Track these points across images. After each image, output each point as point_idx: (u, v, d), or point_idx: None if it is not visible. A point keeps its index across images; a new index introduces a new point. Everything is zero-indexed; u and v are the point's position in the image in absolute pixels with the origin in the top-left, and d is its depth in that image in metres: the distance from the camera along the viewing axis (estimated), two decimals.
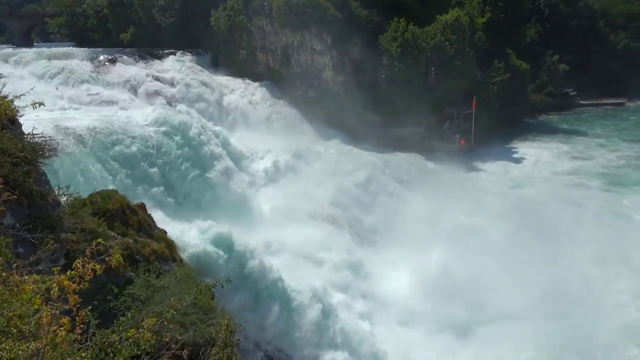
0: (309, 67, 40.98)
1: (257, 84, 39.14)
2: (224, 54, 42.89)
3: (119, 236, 10.95)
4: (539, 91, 57.27)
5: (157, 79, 33.45)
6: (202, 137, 22.46)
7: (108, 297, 8.62)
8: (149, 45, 42.26)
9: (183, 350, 5.42)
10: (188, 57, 38.58)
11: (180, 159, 20.73)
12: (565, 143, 46.76)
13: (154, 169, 19.41)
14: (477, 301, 18.62)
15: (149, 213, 13.22)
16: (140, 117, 21.56)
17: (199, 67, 37.56)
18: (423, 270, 20.00)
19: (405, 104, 38.32)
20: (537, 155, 43.10)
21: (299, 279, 16.55)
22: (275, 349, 14.59)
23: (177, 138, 21.10)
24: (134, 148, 19.04)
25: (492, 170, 38.83)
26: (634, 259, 23.08)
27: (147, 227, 12.41)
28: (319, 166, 30.86)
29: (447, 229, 24.16)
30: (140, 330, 4.32)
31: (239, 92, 37.55)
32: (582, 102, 61.69)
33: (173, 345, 5.00)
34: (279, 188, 26.67)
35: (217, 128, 25.66)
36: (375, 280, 20.24)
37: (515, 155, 43.05)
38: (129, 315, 5.45)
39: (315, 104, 40.03)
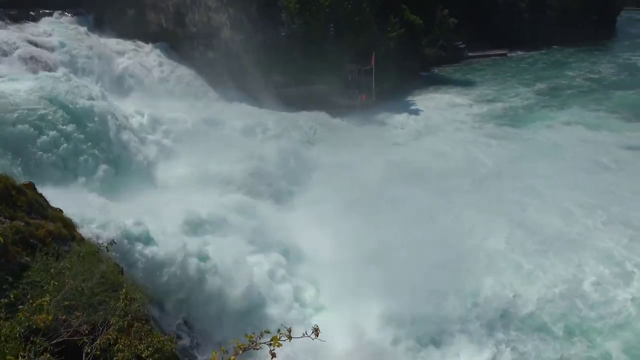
0: (205, 26, 39.05)
1: (150, 45, 36.58)
2: (109, 14, 39.34)
3: (7, 220, 10.01)
4: (432, 45, 59.97)
5: (33, 43, 29.86)
6: (93, 107, 20.81)
7: (4, 287, 7.95)
8: (20, 4, 37.40)
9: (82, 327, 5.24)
10: (67, 19, 34.79)
11: (72, 132, 19.13)
12: (461, 93, 50.00)
13: (43, 143, 17.77)
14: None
15: (39, 192, 12.18)
16: (19, 87, 19.37)
17: (82, 29, 34.13)
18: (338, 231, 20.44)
19: (307, 62, 38.39)
20: (436, 106, 45.65)
21: (215, 245, 16.47)
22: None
23: (63, 109, 19.34)
24: (18, 124, 17.23)
25: (395, 124, 40.52)
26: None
27: (40, 208, 11.46)
28: (225, 130, 30.11)
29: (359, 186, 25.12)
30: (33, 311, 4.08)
31: (129, 55, 34.87)
32: (470, 54, 65.76)
33: (73, 322, 4.80)
34: (184, 156, 25.71)
35: (107, 96, 23.80)
36: (289, 240, 20.50)
37: (415, 107, 45.22)
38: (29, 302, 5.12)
39: (216, 65, 38.51)
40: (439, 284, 17.68)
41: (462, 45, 65.57)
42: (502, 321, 16.92)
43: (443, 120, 41.64)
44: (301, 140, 33.46)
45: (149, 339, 6.79)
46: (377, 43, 44.20)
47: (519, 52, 69.08)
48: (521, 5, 72.47)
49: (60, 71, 23.52)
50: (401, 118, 41.74)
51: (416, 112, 44.12)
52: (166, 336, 7.89)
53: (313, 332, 4.98)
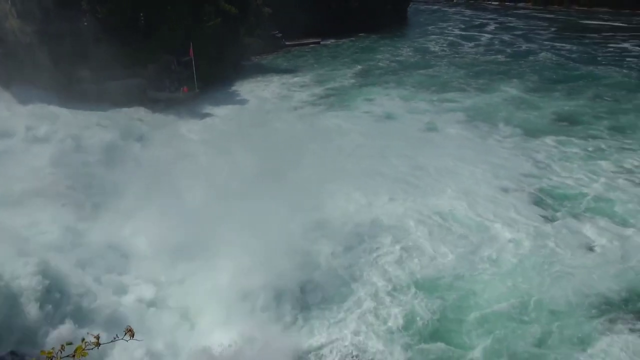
0: None
1: None
2: None
3: None
4: (250, 34, 60.54)
5: None
6: None
7: None
8: None
9: None
10: None
11: None
12: (287, 78, 51.58)
13: None
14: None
15: None
16: None
17: None
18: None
19: (117, 54, 35.42)
20: (261, 94, 46.33)
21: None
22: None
23: None
24: None
25: (223, 115, 39.88)
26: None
27: None
28: (22, 136, 26.31)
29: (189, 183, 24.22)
30: None
31: None
32: (288, 43, 68.22)
33: None
34: None
35: None
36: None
37: (240, 97, 45.24)
38: None
39: (5, 61, 33.32)
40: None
41: (279, 35, 67.60)
42: None
43: (273, 107, 42.59)
44: (121, 138, 30.92)
45: None
46: (195, 33, 42.96)
47: (331, 40, 73.96)
48: None
49: None
50: (228, 108, 41.40)
51: (243, 101, 44.20)
52: None
53: (126, 333, 4.68)
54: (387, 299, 16.95)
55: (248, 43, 59.18)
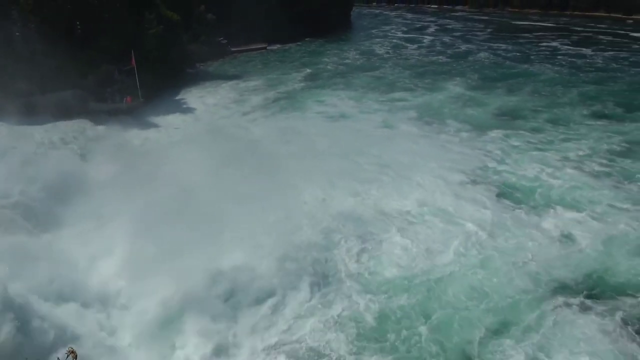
0: None
1: None
2: None
3: None
4: (194, 41, 59.43)
5: None
6: None
7: None
8: None
9: None
10: None
11: None
12: (235, 84, 50.75)
13: None
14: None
15: None
16: None
17: None
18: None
19: (54, 66, 33.66)
20: (210, 100, 45.36)
21: None
22: None
23: None
24: None
25: (171, 123, 38.63)
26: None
27: None
28: None
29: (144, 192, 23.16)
30: None
31: None
32: (233, 48, 67.44)
33: None
34: None
35: None
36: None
37: (185, 106, 44.07)
38: None
39: None
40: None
41: (224, 41, 66.73)
42: None
43: (225, 112, 41.82)
44: (63, 152, 29.25)
45: None
46: (136, 41, 41.54)
47: (278, 45, 73.81)
48: (272, 1, 77.19)
49: None
50: (176, 117, 40.24)
51: (191, 109, 43.08)
52: None
53: (69, 354, 4.50)
54: (358, 299, 16.96)
55: (193, 50, 58.03)
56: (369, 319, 16.02)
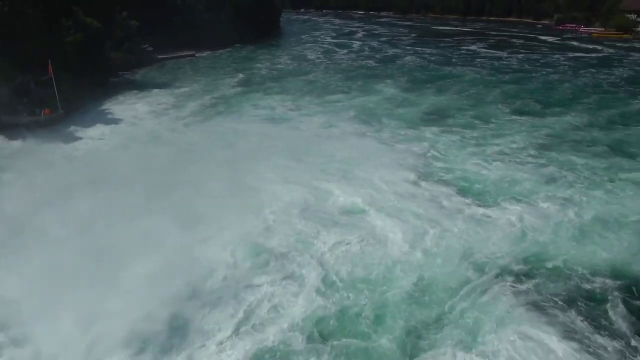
0: None
1: None
2: None
3: None
4: (117, 49, 56.61)
5: None
6: None
7: None
8: None
9: None
10: None
11: None
12: (164, 93, 48.77)
13: None
14: None
15: None
16: None
17: None
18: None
19: None
20: (139, 109, 43.11)
21: None
22: None
23: None
24: None
25: (95, 135, 36.22)
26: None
27: None
28: None
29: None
30: None
31: None
32: (159, 56, 65.02)
33: None
34: None
35: None
36: None
37: (110, 117, 41.64)
38: None
39: None
40: None
41: (150, 48, 64.20)
42: None
43: (155, 120, 39.94)
44: None
45: None
46: (53, 50, 38.77)
47: (207, 52, 72.17)
48: (199, 7, 75.43)
49: None
50: (100, 128, 37.78)
51: (116, 120, 40.69)
52: None
53: None
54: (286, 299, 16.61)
55: (116, 58, 55.26)
56: (314, 314, 15.85)
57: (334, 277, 17.81)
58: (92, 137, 35.76)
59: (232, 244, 19.50)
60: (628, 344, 14.54)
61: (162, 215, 20.51)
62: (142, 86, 51.76)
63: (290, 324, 15.43)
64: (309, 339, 14.93)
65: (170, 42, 65.86)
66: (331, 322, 15.64)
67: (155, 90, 49.76)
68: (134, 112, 42.25)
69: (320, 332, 15.23)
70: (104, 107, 43.73)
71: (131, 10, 58.90)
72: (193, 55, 69.66)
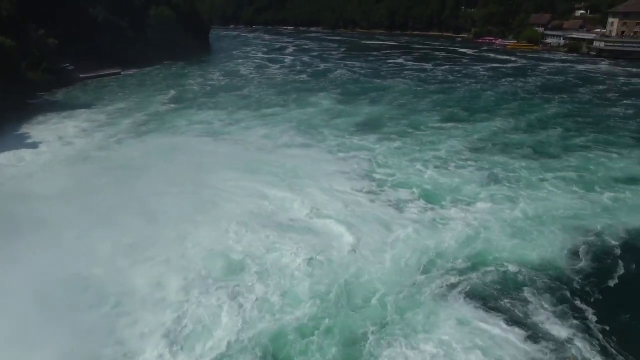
0: None
1: None
2: None
3: None
4: (34, 68, 52.97)
5: None
6: None
7: None
8: None
9: None
10: None
11: None
12: (84, 113, 45.97)
13: None
14: None
15: None
16: None
17: None
18: None
19: None
20: (61, 131, 40.24)
21: None
22: None
23: None
24: None
25: (8, 161, 33.25)
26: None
27: None
28: None
29: None
30: None
31: None
32: (82, 75, 61.56)
33: None
34: None
35: None
36: None
37: (30, 141, 38.53)
38: None
39: None
40: None
41: (71, 67, 60.63)
42: None
43: (80, 141, 37.43)
44: None
45: None
46: None
47: (134, 70, 69.44)
48: (122, 24, 72.67)
49: None
50: (15, 154, 34.71)
51: (34, 145, 37.55)
52: None
53: None
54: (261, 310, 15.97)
55: (33, 78, 51.69)
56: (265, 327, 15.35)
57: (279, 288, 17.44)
58: (7, 163, 32.78)
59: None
60: (553, 324, 15.70)
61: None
62: (64, 107, 48.60)
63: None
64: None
65: (94, 61, 62.65)
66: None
67: (80, 110, 46.91)
68: (56, 133, 39.46)
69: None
70: (21, 130, 40.42)
71: (49, 28, 55.54)
72: (119, 74, 66.73)
